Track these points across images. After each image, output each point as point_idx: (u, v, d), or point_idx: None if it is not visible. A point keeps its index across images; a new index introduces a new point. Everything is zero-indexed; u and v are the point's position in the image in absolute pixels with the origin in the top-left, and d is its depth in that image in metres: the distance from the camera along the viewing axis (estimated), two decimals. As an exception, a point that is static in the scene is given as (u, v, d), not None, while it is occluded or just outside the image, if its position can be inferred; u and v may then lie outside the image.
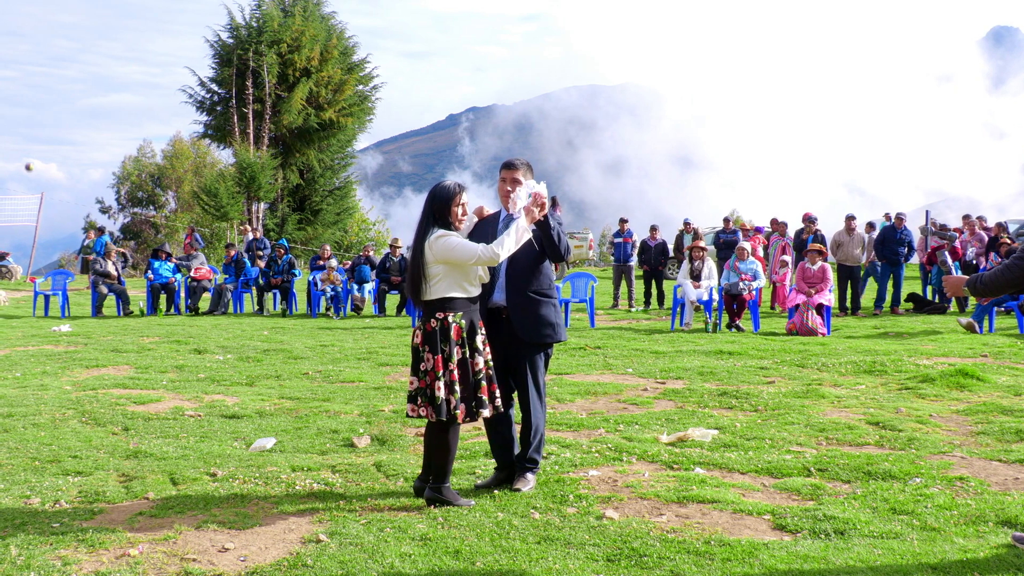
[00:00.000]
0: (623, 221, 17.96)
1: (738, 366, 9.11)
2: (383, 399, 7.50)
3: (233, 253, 18.14)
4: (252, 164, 31.62)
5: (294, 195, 36.03)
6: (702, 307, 13.71)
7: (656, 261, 17.02)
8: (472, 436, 5.99)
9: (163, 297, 16.75)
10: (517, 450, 4.89)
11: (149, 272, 17.00)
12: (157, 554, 3.86)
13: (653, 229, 17.64)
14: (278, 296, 17.09)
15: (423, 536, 4.03)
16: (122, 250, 26.34)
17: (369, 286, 16.85)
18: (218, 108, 33.95)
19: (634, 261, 17.34)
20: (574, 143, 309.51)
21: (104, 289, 16.57)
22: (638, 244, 17.33)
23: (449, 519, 4.27)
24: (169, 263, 17.21)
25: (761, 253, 16.31)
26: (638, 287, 17.66)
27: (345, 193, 38.26)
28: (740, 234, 17.21)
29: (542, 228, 4.60)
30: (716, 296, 13.36)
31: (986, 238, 16.03)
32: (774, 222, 17.38)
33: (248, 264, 17.86)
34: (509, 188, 4.71)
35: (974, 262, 15.74)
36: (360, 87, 36.20)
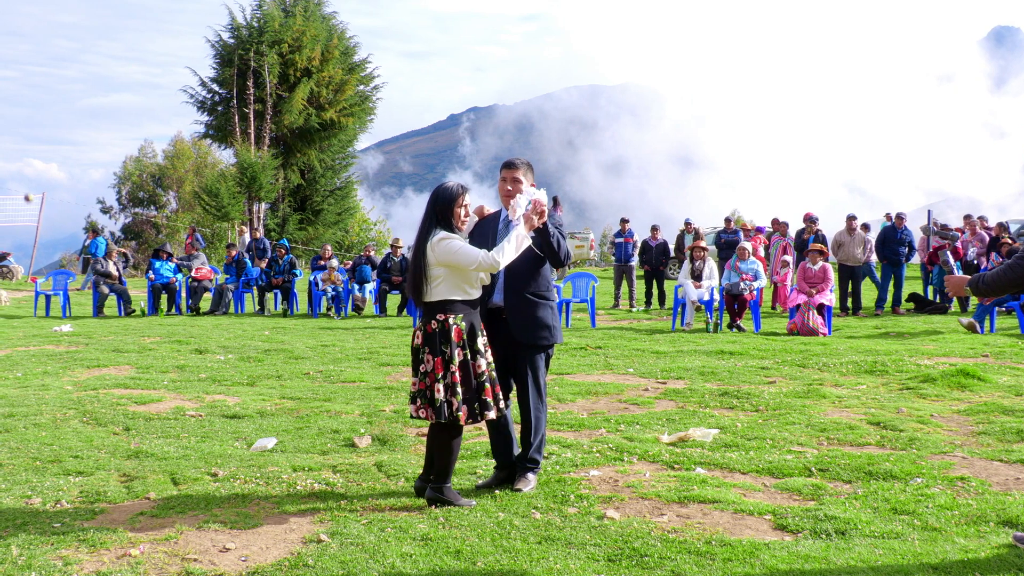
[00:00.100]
0: (624, 221, 17.96)
1: (739, 366, 9.11)
2: (384, 399, 7.50)
3: (234, 253, 18.15)
4: (253, 164, 31.62)
5: (295, 195, 36.03)
6: (703, 307, 13.71)
7: (657, 261, 17.02)
8: (473, 436, 5.99)
9: (164, 297, 16.76)
10: (517, 450, 4.89)
11: (150, 272, 17.00)
12: (158, 554, 3.86)
13: (654, 229, 17.64)
14: (279, 296, 17.09)
15: (424, 536, 4.03)
16: (123, 250, 26.37)
17: (370, 286, 16.86)
18: (219, 108, 33.95)
19: (635, 261, 17.33)
20: (575, 143, 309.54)
21: (105, 289, 16.58)
22: (639, 244, 17.33)
23: (450, 519, 4.27)
24: (170, 263, 17.22)
25: (762, 253, 16.31)
26: (639, 287, 17.66)
27: (346, 193, 38.25)
28: (741, 234, 17.21)
29: (541, 235, 4.61)
30: (717, 296, 13.35)
31: (987, 238, 16.01)
32: (775, 222, 17.38)
33: (249, 264, 17.88)
34: (509, 188, 4.72)
35: (975, 262, 15.73)
36: (361, 87, 36.18)
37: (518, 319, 4.74)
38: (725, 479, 4.96)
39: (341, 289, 16.30)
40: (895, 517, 4.24)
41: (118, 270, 17.22)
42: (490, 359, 4.54)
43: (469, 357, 4.45)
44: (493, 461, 5.03)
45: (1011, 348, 10.19)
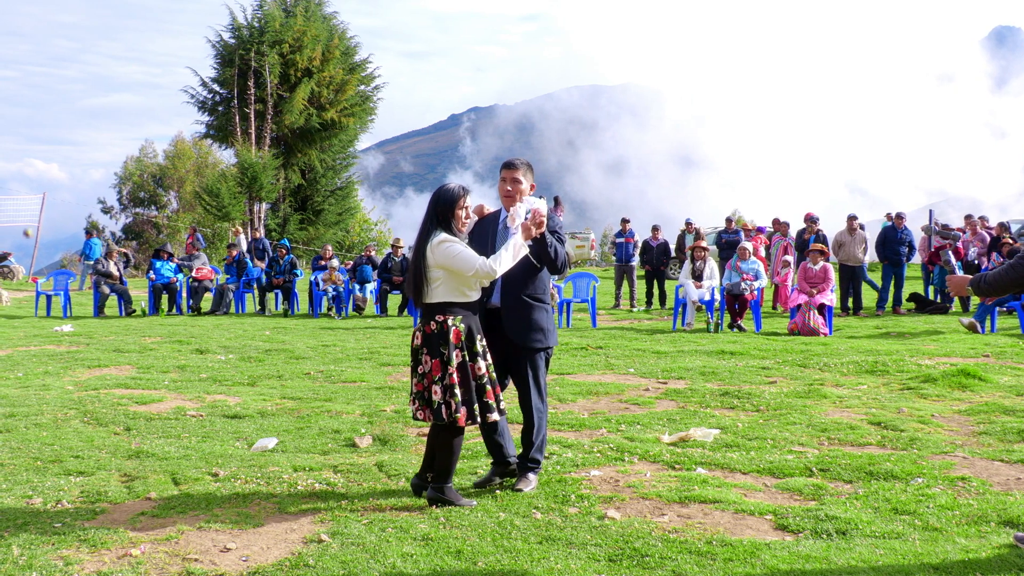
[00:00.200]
0: (625, 221, 17.95)
1: (740, 366, 9.11)
2: (385, 399, 7.50)
3: (235, 253, 18.16)
4: (254, 164, 31.63)
5: (296, 195, 36.04)
6: (704, 307, 13.71)
7: (658, 261, 17.01)
8: (474, 436, 5.98)
9: (165, 297, 16.77)
10: (511, 445, 4.90)
11: (151, 272, 17.01)
12: (159, 554, 3.86)
13: (655, 229, 17.64)
14: (280, 296, 17.10)
15: (425, 536, 4.03)
16: (124, 250, 26.37)
17: (371, 286, 16.87)
18: (220, 108, 33.96)
19: (636, 261, 17.33)
20: (575, 143, 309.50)
21: (106, 289, 16.59)
22: (640, 244, 17.33)
23: (451, 519, 4.27)
24: (171, 263, 17.23)
25: (763, 253, 16.31)
26: (640, 287, 17.66)
27: (347, 193, 38.26)
28: (742, 234, 17.20)
29: (539, 244, 4.62)
30: (718, 296, 13.35)
31: (988, 238, 16.00)
32: (776, 222, 17.38)
33: (250, 264, 17.89)
34: (509, 188, 4.74)
35: (976, 262, 15.72)
36: (362, 87, 36.20)
37: (513, 321, 4.75)
38: (726, 479, 4.96)
39: (342, 289, 16.31)
40: (896, 517, 4.24)
41: (119, 270, 17.23)
42: (489, 361, 4.54)
43: (468, 359, 4.45)
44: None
45: (1012, 348, 10.19)
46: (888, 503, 4.44)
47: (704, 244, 14.23)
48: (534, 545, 3.92)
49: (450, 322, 4.42)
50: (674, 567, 3.65)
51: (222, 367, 9.52)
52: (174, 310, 16.84)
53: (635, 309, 16.75)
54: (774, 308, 15.72)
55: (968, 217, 17.72)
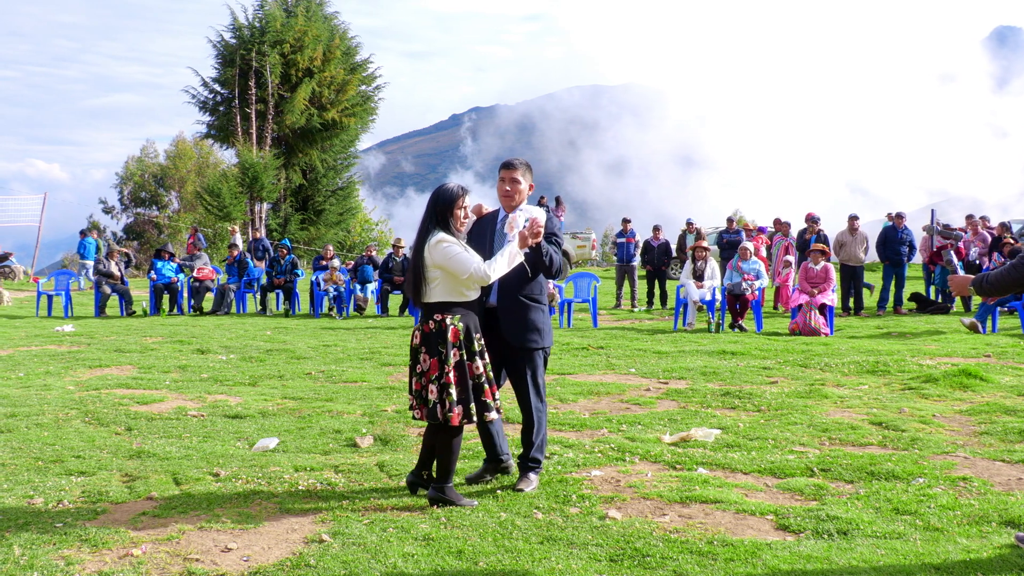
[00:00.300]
0: (626, 221, 17.95)
1: (741, 366, 9.11)
2: (386, 399, 7.50)
3: (236, 253, 18.17)
4: (255, 164, 31.65)
5: (297, 195, 36.06)
6: (705, 307, 13.71)
7: (659, 261, 17.01)
8: (475, 436, 5.98)
9: (166, 297, 16.78)
10: (505, 443, 4.91)
11: (152, 272, 17.02)
12: (160, 554, 3.86)
13: (656, 229, 17.63)
14: (281, 296, 17.11)
15: (426, 536, 4.03)
16: (125, 250, 26.39)
17: (372, 286, 16.87)
18: (221, 108, 33.99)
19: (637, 261, 17.33)
20: (576, 143, 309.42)
21: (107, 289, 16.59)
22: (641, 244, 17.32)
23: (452, 519, 4.28)
24: (172, 263, 17.24)
25: (764, 253, 16.30)
26: (641, 287, 17.65)
27: (348, 193, 38.28)
28: (743, 234, 17.20)
29: (535, 252, 4.64)
30: (719, 296, 13.35)
31: (989, 238, 15.99)
32: (777, 222, 17.37)
33: (251, 264, 17.89)
34: (508, 188, 4.79)
35: (977, 262, 15.71)
36: (363, 87, 36.22)
37: (510, 322, 4.76)
38: (727, 479, 4.96)
39: (343, 289, 16.31)
40: (897, 517, 4.24)
41: (120, 270, 17.25)
42: (487, 360, 4.55)
43: (465, 358, 4.46)
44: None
45: (1013, 348, 10.18)
46: (889, 503, 4.44)
47: (705, 244, 14.22)
48: (535, 545, 3.92)
49: (448, 321, 4.44)
50: (675, 567, 3.65)
51: (223, 367, 9.53)
52: (175, 310, 16.85)
53: (636, 309, 16.75)
54: (775, 308, 15.72)
55: (969, 217, 17.70)
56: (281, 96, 33.42)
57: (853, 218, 15.41)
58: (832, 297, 12.73)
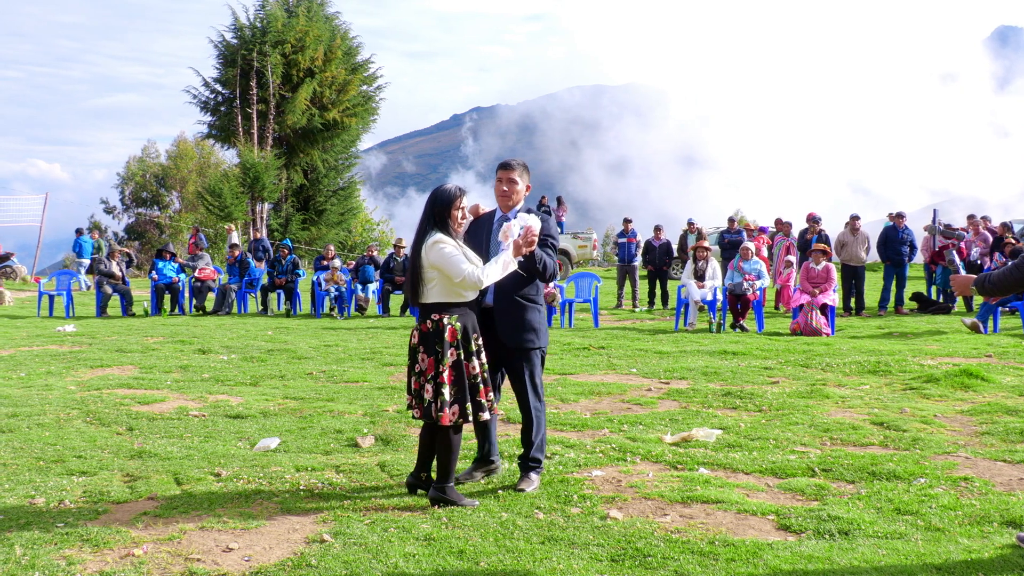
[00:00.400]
0: (627, 221, 17.95)
1: (742, 366, 9.10)
2: (387, 399, 7.51)
3: (237, 253, 18.18)
4: (256, 164, 31.65)
5: (298, 195, 36.06)
6: (706, 307, 13.71)
7: (660, 261, 17.01)
8: (475, 437, 5.98)
9: (167, 297, 16.79)
10: (496, 444, 4.93)
11: (153, 272, 17.03)
12: (161, 554, 3.87)
13: (657, 229, 17.63)
14: (282, 296, 17.11)
15: (427, 536, 4.03)
16: (126, 250, 26.40)
17: (373, 286, 16.88)
18: (222, 108, 33.98)
19: (638, 261, 17.33)
20: (578, 143, 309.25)
21: (108, 289, 16.60)
22: (642, 244, 17.32)
23: (453, 519, 4.28)
24: (173, 263, 17.25)
25: (765, 253, 16.29)
26: (642, 287, 17.65)
27: (349, 193, 38.27)
28: (744, 234, 17.19)
29: (528, 260, 4.66)
30: (720, 296, 13.34)
31: (991, 238, 15.98)
32: (778, 222, 17.36)
33: (252, 264, 17.90)
34: (505, 188, 4.82)
35: (978, 262, 15.70)
36: (364, 87, 36.21)
37: (506, 323, 4.77)
38: (728, 479, 4.96)
39: (344, 289, 16.32)
40: (898, 517, 4.24)
41: (121, 270, 17.25)
42: (484, 360, 4.56)
43: (462, 357, 4.47)
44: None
45: (1015, 348, 10.17)
46: (891, 503, 4.44)
47: (706, 244, 14.22)
48: (536, 545, 3.92)
49: (446, 320, 4.45)
50: (676, 567, 3.65)
51: (224, 367, 9.53)
52: (176, 310, 16.85)
53: (637, 309, 16.74)
54: (776, 308, 15.71)
55: (971, 217, 17.68)
56: (282, 96, 33.43)
57: (854, 218, 15.40)
58: (833, 297, 12.73)
